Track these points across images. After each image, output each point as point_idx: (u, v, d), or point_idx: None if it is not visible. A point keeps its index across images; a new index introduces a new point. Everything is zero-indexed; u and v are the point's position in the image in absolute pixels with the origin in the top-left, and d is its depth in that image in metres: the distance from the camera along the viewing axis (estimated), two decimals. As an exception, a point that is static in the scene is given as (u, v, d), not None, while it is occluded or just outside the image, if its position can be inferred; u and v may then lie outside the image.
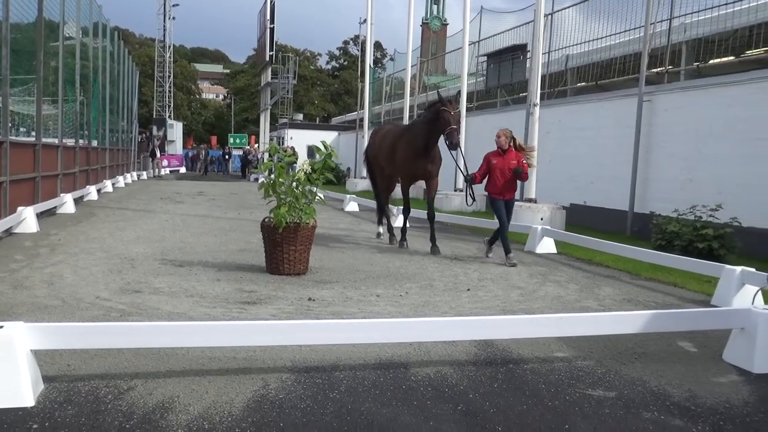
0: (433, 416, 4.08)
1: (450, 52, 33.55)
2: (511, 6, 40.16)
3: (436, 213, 11.75)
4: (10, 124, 12.61)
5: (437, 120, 10.72)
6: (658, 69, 17.15)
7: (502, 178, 10.25)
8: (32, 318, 5.74)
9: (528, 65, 20.69)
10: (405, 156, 11.46)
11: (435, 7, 73.31)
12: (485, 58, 25.94)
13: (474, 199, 10.94)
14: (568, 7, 21.70)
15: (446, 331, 5.07)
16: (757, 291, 6.91)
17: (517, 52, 23.38)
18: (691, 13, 16.52)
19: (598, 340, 5.76)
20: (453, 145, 10.54)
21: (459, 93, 20.03)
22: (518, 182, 10.73)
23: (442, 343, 5.55)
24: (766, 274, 6.83)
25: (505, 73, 24.12)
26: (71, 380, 4.46)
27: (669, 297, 8.31)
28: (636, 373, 5.07)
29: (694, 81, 15.48)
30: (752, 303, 6.23)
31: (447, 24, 68.55)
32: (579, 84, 21.82)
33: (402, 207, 12.29)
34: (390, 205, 13.32)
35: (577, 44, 21.47)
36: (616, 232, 15.00)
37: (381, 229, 13.15)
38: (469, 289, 8.23)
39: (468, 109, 22.55)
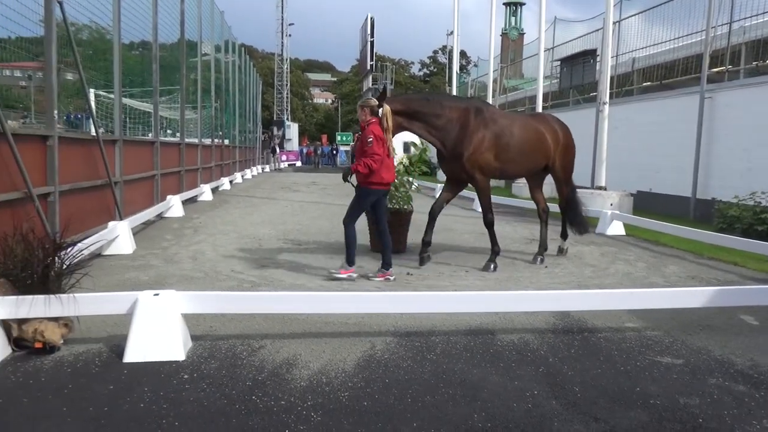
0: (518, 377, 4.03)
1: (527, 58, 32.77)
2: (581, 15, 39.10)
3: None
4: (159, 127, 13.14)
5: None
6: (719, 68, 16.26)
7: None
8: (181, 287, 5.97)
9: (598, 68, 20.02)
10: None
11: (513, 18, 71.99)
12: (558, 62, 25.26)
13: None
14: (634, 15, 20.84)
15: (528, 302, 5.00)
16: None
17: (588, 57, 22.65)
18: (750, 17, 15.58)
19: (665, 313, 5.53)
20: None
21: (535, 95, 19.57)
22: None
23: (524, 313, 5.45)
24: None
25: (576, 75, 23.42)
26: (213, 339, 4.62)
27: (730, 275, 7.90)
28: (701, 343, 4.85)
29: (753, 78, 14.59)
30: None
31: (524, 33, 67.22)
32: (644, 84, 20.91)
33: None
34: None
35: (642, 48, 20.60)
36: (679, 217, 14.36)
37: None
38: (546, 267, 8.06)
39: (543, 108, 22.00)
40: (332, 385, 3.82)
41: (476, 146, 7.55)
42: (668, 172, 16.17)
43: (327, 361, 4.22)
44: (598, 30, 21.16)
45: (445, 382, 3.91)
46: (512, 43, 62.23)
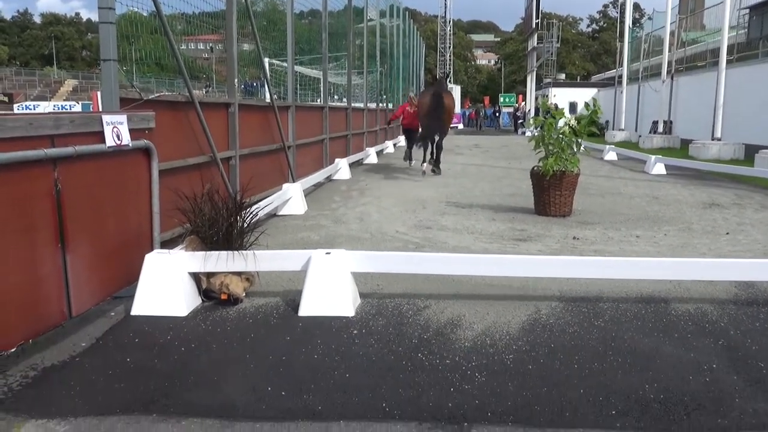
0: (694, 348, 3.80)
1: (709, 7, 30.03)
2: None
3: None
4: (328, 93, 13.62)
5: None
6: None
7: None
8: (349, 247, 6.19)
9: (795, 14, 18.02)
10: None
11: (694, -36, 66.36)
12: (747, 10, 22.98)
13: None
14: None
15: (708, 271, 4.65)
16: None
17: (783, 2, 20.46)
18: None
19: None
20: None
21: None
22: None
23: (702, 282, 5.10)
24: None
25: (768, 24, 21.26)
26: (380, 297, 4.78)
27: None
28: None
29: None
30: None
31: (707, -20, 61.77)
32: None
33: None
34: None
35: None
36: None
37: None
38: (728, 233, 7.46)
39: (728, 62, 20.13)
40: (496, 347, 3.83)
41: None
42: None
43: (491, 323, 4.23)
44: (796, -28, 18.98)
45: (614, 350, 3.78)
46: (692, -9, 57.44)
